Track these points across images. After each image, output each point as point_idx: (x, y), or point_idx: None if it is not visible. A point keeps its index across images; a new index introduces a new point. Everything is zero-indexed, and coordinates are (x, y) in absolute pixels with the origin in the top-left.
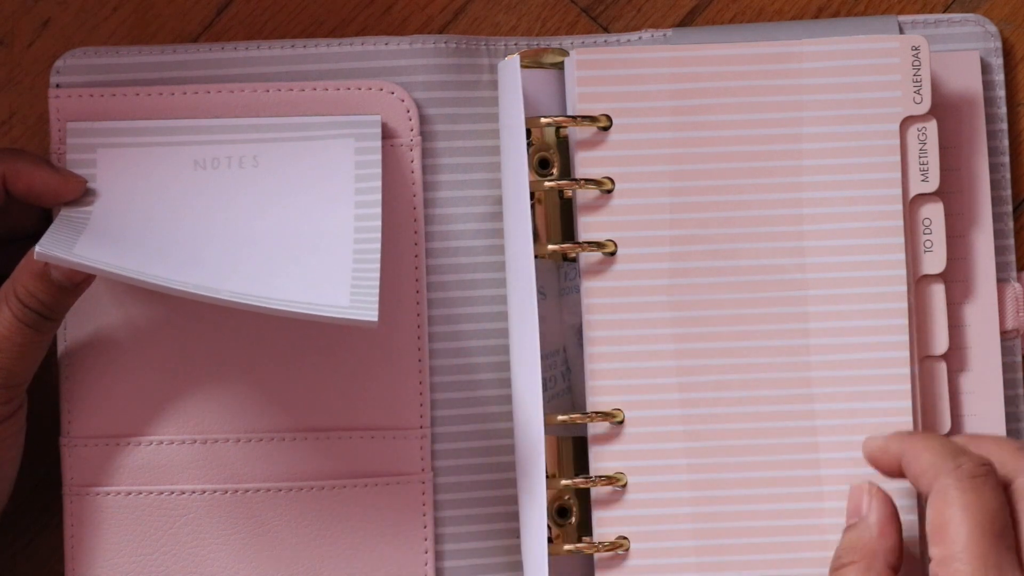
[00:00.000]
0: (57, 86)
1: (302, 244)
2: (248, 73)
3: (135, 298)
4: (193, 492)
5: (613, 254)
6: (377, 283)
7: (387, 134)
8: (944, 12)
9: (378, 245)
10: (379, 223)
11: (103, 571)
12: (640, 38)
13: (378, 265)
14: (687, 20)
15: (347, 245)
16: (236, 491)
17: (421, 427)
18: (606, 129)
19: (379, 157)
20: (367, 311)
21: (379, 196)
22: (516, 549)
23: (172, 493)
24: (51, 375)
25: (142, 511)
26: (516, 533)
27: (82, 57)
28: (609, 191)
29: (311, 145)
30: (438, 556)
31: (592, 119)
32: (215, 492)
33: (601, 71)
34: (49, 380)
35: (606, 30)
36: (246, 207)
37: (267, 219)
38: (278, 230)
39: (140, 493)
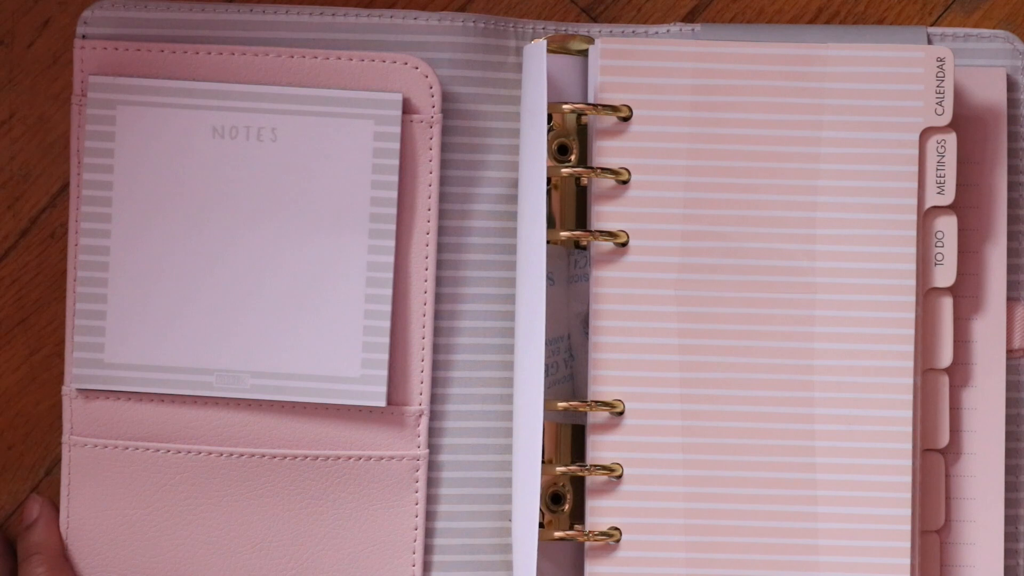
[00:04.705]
0: (83, 37)
1: (316, 283)
2: (276, 37)
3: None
4: (188, 452)
5: (625, 245)
6: (387, 346)
7: (407, 109)
8: (944, 12)
9: (390, 281)
10: (394, 227)
11: (98, 521)
12: (668, 31)
13: (388, 314)
14: (687, 20)
15: (359, 285)
16: (231, 455)
17: (420, 404)
18: (627, 119)
19: (397, 146)
20: (375, 390)
21: (395, 193)
22: (507, 532)
23: (168, 451)
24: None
25: (138, 466)
26: (508, 516)
27: (109, 9)
28: (625, 181)
29: (330, 122)
30: (428, 533)
31: (614, 108)
32: (210, 454)
33: (625, 61)
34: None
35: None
36: (263, 189)
37: (282, 215)
38: (293, 253)
39: (137, 448)
